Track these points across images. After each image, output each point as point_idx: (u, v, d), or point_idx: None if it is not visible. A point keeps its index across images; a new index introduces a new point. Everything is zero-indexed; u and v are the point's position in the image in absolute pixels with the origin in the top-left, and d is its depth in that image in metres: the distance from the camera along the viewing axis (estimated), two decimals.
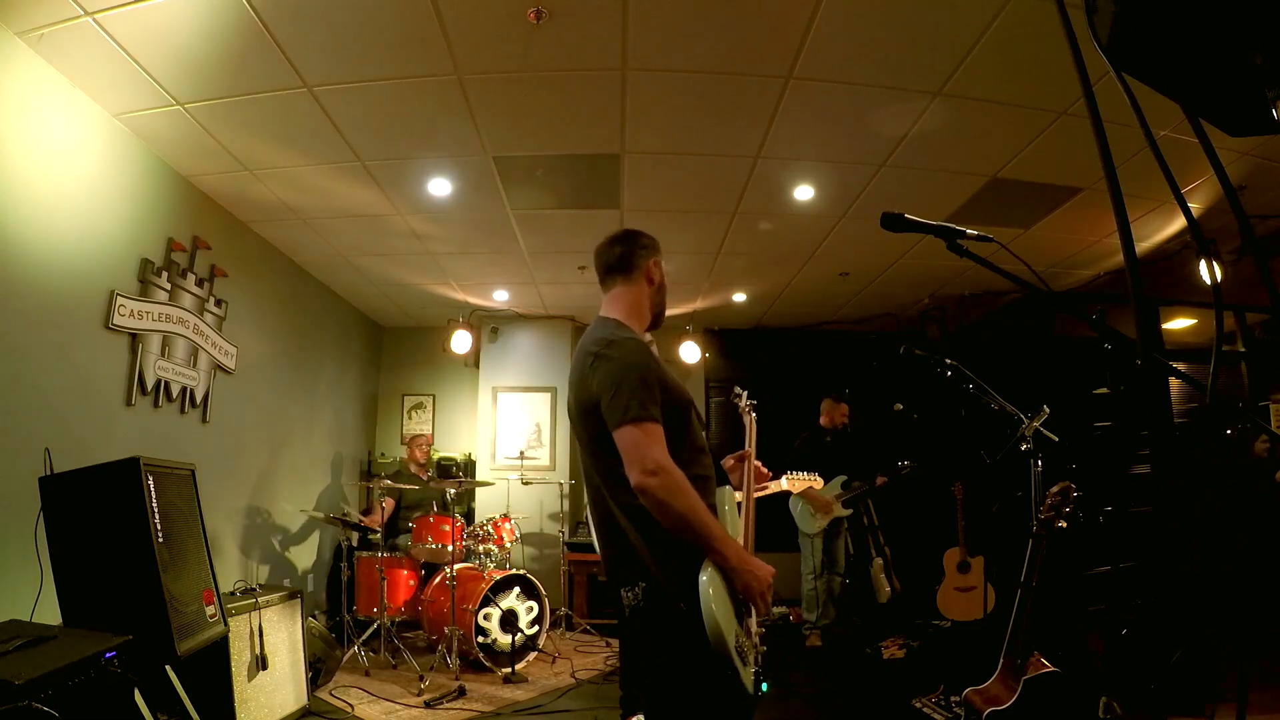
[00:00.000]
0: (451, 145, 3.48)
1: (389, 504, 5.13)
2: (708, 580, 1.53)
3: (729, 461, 2.12)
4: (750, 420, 2.38)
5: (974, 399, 3.06)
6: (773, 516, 4.30)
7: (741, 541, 1.78)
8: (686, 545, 1.57)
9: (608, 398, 1.63)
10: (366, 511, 5.95)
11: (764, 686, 1.63)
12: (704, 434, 1.86)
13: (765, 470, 2.19)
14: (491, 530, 4.82)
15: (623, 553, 1.69)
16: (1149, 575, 3.95)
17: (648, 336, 1.91)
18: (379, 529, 4.93)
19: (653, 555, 1.62)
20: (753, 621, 1.69)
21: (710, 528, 1.57)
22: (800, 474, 3.46)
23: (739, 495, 1.98)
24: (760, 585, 1.60)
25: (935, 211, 4.13)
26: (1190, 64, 0.79)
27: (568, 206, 4.20)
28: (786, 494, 4.80)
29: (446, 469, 6.41)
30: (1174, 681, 3.09)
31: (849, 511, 5.03)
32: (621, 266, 1.91)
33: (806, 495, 4.83)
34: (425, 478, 5.50)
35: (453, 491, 4.58)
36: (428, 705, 3.60)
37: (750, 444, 2.21)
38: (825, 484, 4.90)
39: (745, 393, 2.46)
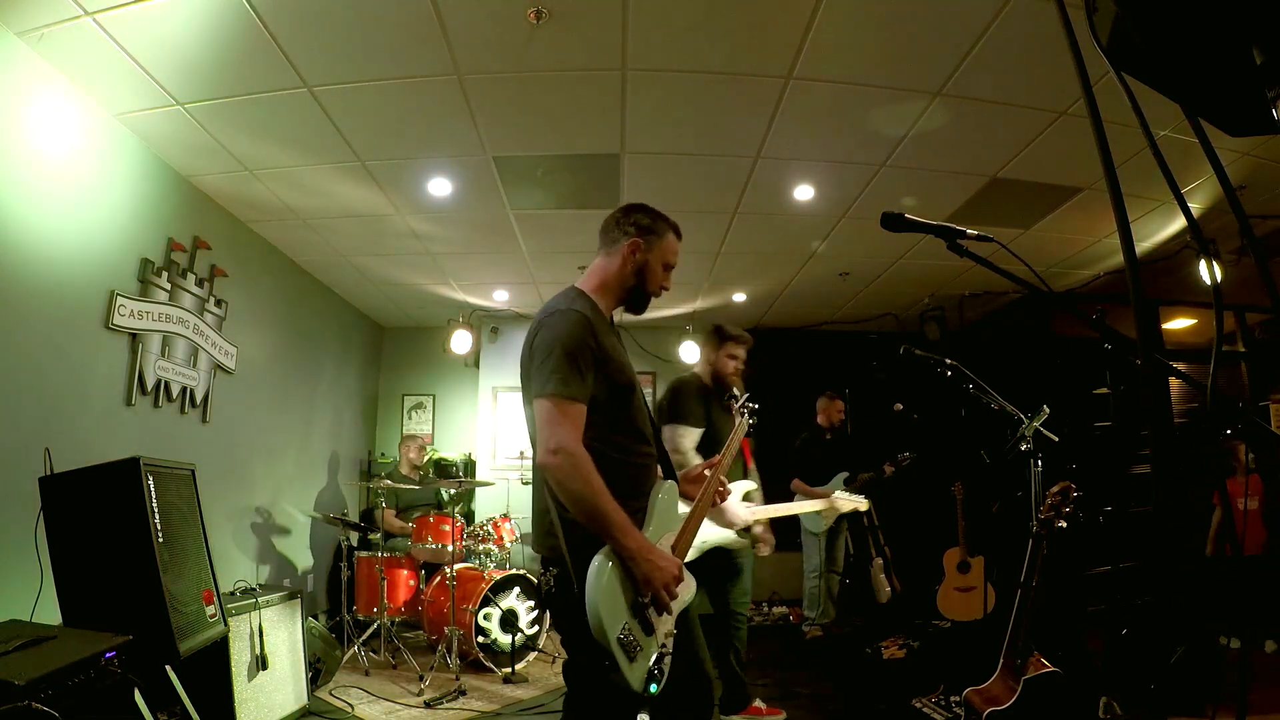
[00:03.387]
0: (451, 145, 3.48)
1: (390, 514, 5.12)
2: (598, 565, 1.51)
3: (693, 472, 2.01)
4: (741, 422, 2.24)
5: (974, 399, 3.06)
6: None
7: (673, 539, 1.72)
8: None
9: (534, 366, 1.63)
10: (366, 514, 5.95)
11: (653, 688, 1.53)
12: (652, 422, 1.83)
13: (725, 489, 2.02)
14: (491, 530, 4.82)
15: (544, 534, 1.67)
16: (1149, 575, 3.95)
17: (620, 315, 1.87)
18: (397, 533, 4.95)
19: (566, 539, 1.59)
20: (665, 620, 1.62)
21: (609, 514, 1.52)
22: (848, 496, 3.57)
23: (686, 503, 1.87)
24: (662, 577, 1.55)
25: (935, 211, 4.13)
26: (1190, 64, 0.79)
27: (568, 206, 4.20)
28: (788, 493, 4.81)
29: (445, 469, 6.41)
30: (1174, 681, 3.08)
31: (853, 508, 5.03)
32: (604, 237, 1.89)
33: (811, 493, 4.83)
34: (416, 479, 5.49)
35: (450, 492, 4.57)
36: (428, 705, 3.60)
37: (727, 452, 2.04)
38: (828, 482, 4.91)
39: (746, 395, 2.35)
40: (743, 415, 2.27)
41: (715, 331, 3.27)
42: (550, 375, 1.58)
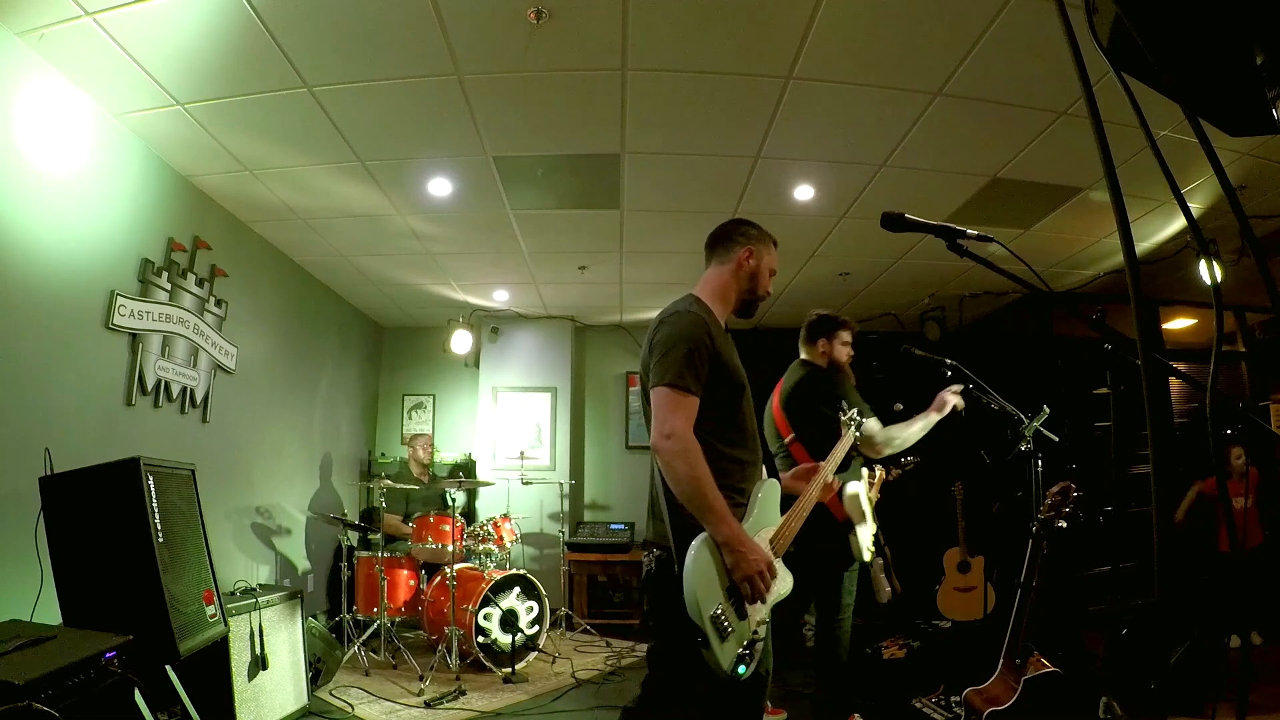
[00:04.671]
0: (451, 145, 3.48)
1: (393, 519, 5.12)
2: (696, 547, 1.60)
3: (800, 470, 2.20)
4: (848, 434, 2.40)
5: (974, 399, 3.06)
6: None
7: (771, 534, 1.81)
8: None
9: (656, 359, 1.75)
10: (366, 514, 5.96)
11: (741, 669, 1.61)
12: (758, 424, 1.94)
13: (834, 484, 2.27)
14: (492, 530, 4.82)
15: (653, 519, 1.80)
16: (1150, 575, 3.95)
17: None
18: (398, 538, 4.95)
19: (672, 521, 1.69)
20: (757, 609, 1.69)
21: (710, 500, 1.61)
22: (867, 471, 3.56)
23: (802, 491, 2.04)
24: (750, 567, 1.62)
25: (935, 211, 4.13)
26: (1190, 64, 0.79)
27: (568, 206, 4.20)
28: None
29: (452, 472, 6.42)
30: (1174, 681, 3.08)
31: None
32: (715, 248, 2.01)
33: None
34: (425, 480, 5.50)
35: (454, 493, 4.58)
36: (428, 705, 3.60)
37: (832, 460, 2.24)
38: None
39: (854, 410, 2.50)
40: (849, 428, 2.44)
41: (820, 320, 3.25)
42: (669, 368, 1.70)
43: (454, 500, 4.59)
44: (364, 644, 4.35)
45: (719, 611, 1.59)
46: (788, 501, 1.95)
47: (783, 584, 1.78)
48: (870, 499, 3.31)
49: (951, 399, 3.04)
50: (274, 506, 4.82)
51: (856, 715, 3.10)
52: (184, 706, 2.27)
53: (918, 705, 3.43)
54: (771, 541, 1.80)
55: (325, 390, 5.72)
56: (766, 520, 1.82)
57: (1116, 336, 1.37)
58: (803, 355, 3.34)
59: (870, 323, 6.48)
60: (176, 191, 3.66)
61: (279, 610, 3.27)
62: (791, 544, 1.88)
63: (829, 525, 3.01)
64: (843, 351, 3.22)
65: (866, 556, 3.04)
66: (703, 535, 1.62)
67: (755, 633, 1.68)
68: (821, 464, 2.19)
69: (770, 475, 1.94)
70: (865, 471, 3.25)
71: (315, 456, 5.59)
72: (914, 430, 3.00)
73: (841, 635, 3.05)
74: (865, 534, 3.09)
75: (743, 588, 1.63)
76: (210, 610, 2.50)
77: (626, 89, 3.01)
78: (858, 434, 2.49)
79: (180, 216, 3.68)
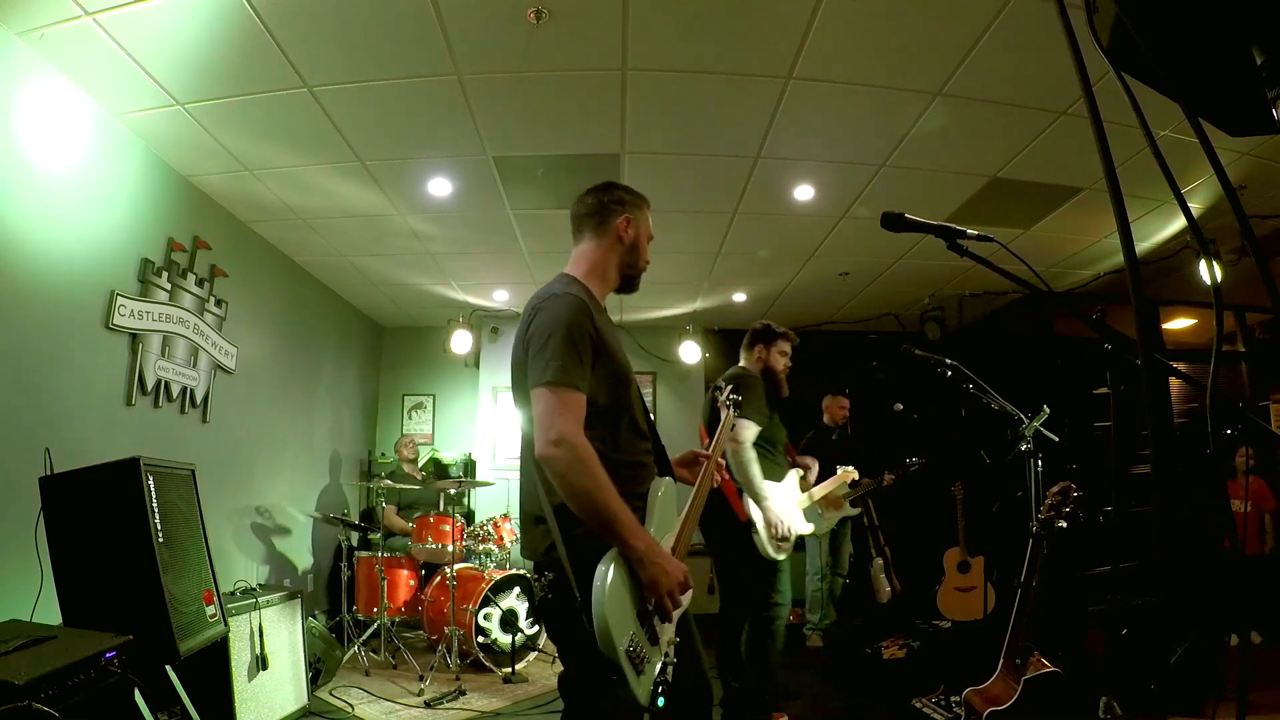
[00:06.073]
0: (451, 145, 3.48)
1: (391, 511, 5.15)
2: (605, 570, 1.39)
3: (685, 456, 1.92)
4: (727, 415, 2.15)
5: (974, 399, 3.06)
6: None
7: (673, 540, 1.64)
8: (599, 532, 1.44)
9: (533, 353, 1.52)
10: (367, 514, 5.96)
11: (660, 701, 1.44)
12: (648, 416, 1.72)
13: (723, 476, 2.01)
14: (492, 530, 4.82)
15: (537, 536, 1.55)
16: (1152, 574, 3.95)
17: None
18: (397, 532, 4.96)
19: (565, 541, 1.47)
20: (667, 627, 1.53)
21: (615, 512, 1.42)
22: (843, 467, 3.53)
23: (700, 488, 1.83)
24: (669, 582, 1.45)
25: (935, 211, 4.13)
26: (1190, 64, 0.79)
27: (568, 206, 4.17)
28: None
29: (440, 468, 6.42)
30: (1174, 681, 3.08)
31: (857, 510, 5.03)
32: (590, 219, 1.79)
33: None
34: (420, 478, 5.51)
35: (451, 492, 4.59)
36: (428, 705, 3.60)
37: (716, 444, 1.98)
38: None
39: (729, 386, 2.23)
40: (727, 409, 2.18)
41: (764, 329, 3.26)
42: (549, 362, 1.47)
43: (450, 497, 4.60)
44: (364, 644, 4.35)
45: (633, 644, 1.41)
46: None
47: (688, 597, 1.59)
48: (812, 496, 3.30)
49: (775, 518, 2.94)
50: (274, 506, 4.81)
51: (784, 716, 3.12)
52: (184, 706, 2.27)
53: (918, 705, 3.43)
54: (673, 549, 1.62)
55: (325, 390, 5.72)
56: (667, 525, 1.64)
57: (1116, 336, 1.37)
58: (740, 361, 3.36)
59: (870, 323, 6.48)
60: (176, 191, 3.66)
61: (279, 610, 3.27)
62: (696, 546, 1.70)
63: (733, 528, 3.01)
64: (779, 361, 3.22)
65: (780, 556, 3.00)
66: (610, 553, 1.42)
67: (667, 654, 1.52)
68: (709, 450, 1.94)
69: (663, 471, 1.75)
70: (794, 474, 3.24)
71: (315, 456, 5.59)
72: (753, 473, 2.94)
73: (774, 634, 3.05)
74: (803, 527, 3.11)
75: (664, 603, 1.45)
76: (210, 610, 2.50)
77: (626, 89, 3.01)
78: (736, 416, 2.24)
79: (180, 216, 3.68)
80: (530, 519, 1.60)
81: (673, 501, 1.70)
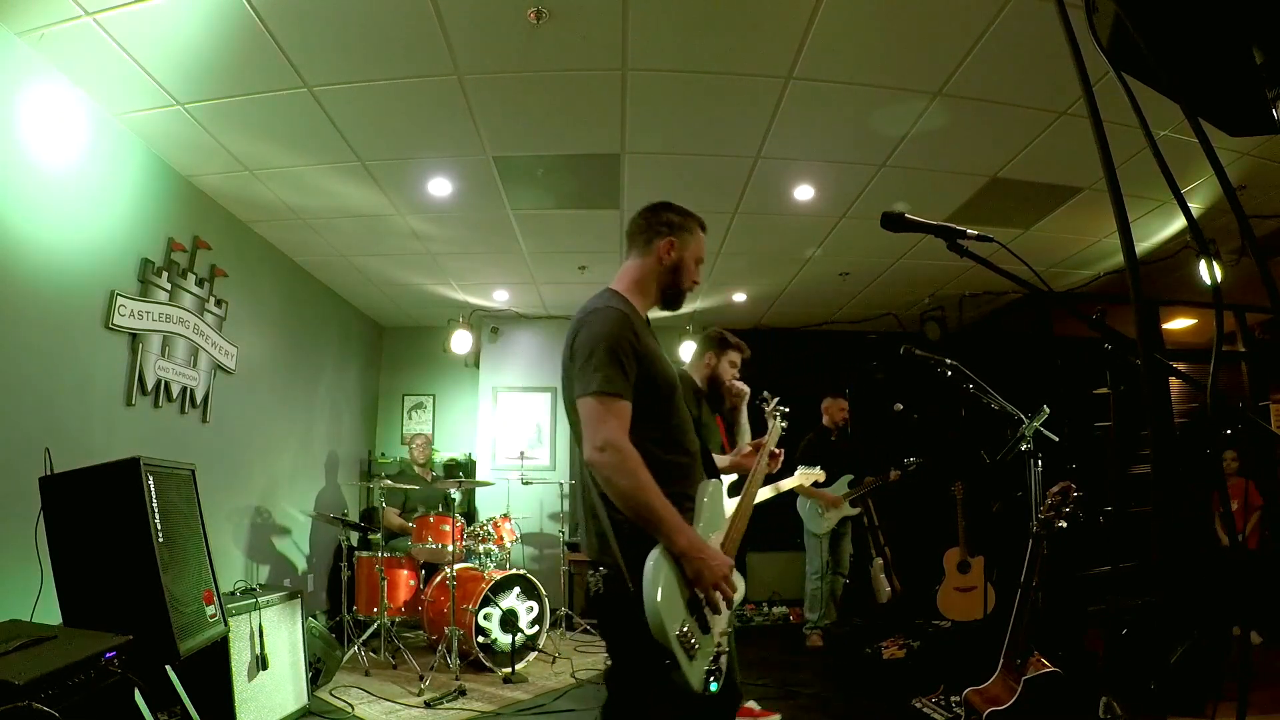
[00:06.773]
0: (451, 145, 3.48)
1: (392, 512, 5.14)
2: (653, 563, 1.49)
3: (746, 449, 2.12)
4: (774, 425, 2.30)
5: (974, 399, 3.06)
6: (776, 516, 4.30)
7: (721, 537, 1.72)
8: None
9: (577, 366, 1.62)
10: (367, 514, 5.96)
11: (713, 686, 1.54)
12: (693, 421, 1.82)
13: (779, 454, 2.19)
14: (492, 530, 4.82)
15: (593, 533, 1.66)
16: (1153, 573, 3.95)
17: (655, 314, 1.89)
18: (397, 532, 4.96)
19: (617, 537, 1.58)
20: (719, 619, 1.61)
21: (659, 511, 1.51)
22: (807, 468, 3.48)
23: (734, 493, 1.94)
24: (713, 575, 1.53)
25: (935, 211, 4.13)
26: (1190, 64, 0.79)
27: (568, 206, 4.20)
28: (793, 494, 4.81)
29: (451, 470, 6.43)
30: (1174, 681, 3.08)
31: (857, 510, 5.03)
32: (638, 238, 1.88)
33: (814, 494, 4.82)
34: (430, 478, 5.51)
35: (455, 492, 4.59)
36: (428, 705, 3.60)
37: (769, 443, 2.17)
38: (833, 485, 4.90)
39: (776, 399, 2.39)
40: (775, 418, 2.34)
41: (718, 338, 3.28)
42: (594, 374, 1.57)
43: (455, 498, 4.60)
44: (364, 644, 4.35)
45: (684, 629, 1.50)
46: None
47: (740, 590, 1.69)
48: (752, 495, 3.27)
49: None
50: (274, 506, 4.82)
51: (777, 715, 3.15)
52: (184, 706, 2.27)
53: (918, 705, 3.43)
54: (722, 545, 1.71)
55: (325, 390, 5.72)
56: (715, 524, 1.73)
57: (1116, 336, 1.37)
58: (687, 364, 3.37)
59: (870, 323, 6.48)
60: (176, 191, 3.66)
61: (279, 610, 3.27)
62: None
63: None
64: (727, 371, 3.22)
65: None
66: (658, 548, 1.51)
67: (719, 645, 1.60)
68: (762, 439, 2.07)
69: (710, 474, 1.85)
70: (718, 484, 3.21)
71: (315, 456, 5.59)
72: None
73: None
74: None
75: (711, 597, 1.54)
76: (210, 610, 2.50)
77: (626, 89, 3.01)
78: (784, 424, 2.38)
79: (180, 216, 3.68)
80: (587, 520, 1.71)
81: (720, 502, 1.80)
